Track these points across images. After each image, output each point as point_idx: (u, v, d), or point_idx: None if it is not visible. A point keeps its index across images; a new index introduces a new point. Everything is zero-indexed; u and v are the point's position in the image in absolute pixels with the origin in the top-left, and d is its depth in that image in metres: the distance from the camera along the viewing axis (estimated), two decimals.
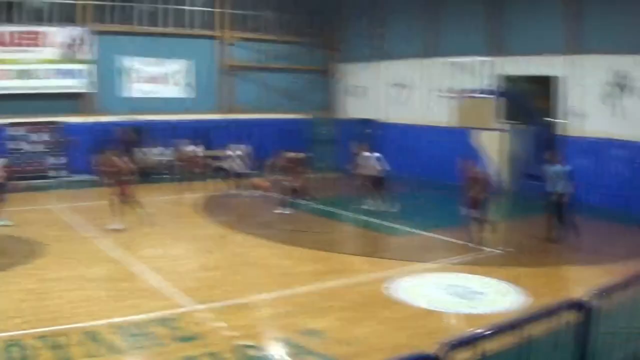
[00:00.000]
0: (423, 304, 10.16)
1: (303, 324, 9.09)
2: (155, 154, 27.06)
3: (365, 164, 18.76)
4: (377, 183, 18.61)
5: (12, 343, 8.46)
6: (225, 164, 22.49)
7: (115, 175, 16.40)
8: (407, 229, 16.18)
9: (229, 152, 22.27)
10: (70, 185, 24.41)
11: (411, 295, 10.57)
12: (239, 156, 21.88)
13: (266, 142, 25.50)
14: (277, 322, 9.45)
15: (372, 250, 14.01)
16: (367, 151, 19.22)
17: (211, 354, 8.08)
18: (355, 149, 19.69)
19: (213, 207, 19.57)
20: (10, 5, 25.95)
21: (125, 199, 16.22)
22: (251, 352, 8.22)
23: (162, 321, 9.23)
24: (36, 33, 26.15)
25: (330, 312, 9.72)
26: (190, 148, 25.14)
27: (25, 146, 25.47)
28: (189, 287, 11.11)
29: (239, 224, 16.75)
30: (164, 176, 25.73)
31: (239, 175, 21.69)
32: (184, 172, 23.46)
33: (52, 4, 26.61)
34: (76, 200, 21.16)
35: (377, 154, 18.82)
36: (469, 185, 14.41)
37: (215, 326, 9.07)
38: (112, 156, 16.86)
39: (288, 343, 8.47)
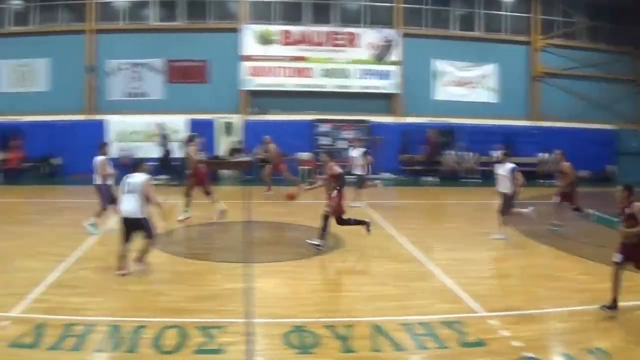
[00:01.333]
0: None
1: (589, 342, 8.68)
2: (462, 158, 27.43)
3: None
4: None
5: (300, 329, 9.00)
6: None
7: None
8: None
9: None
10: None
11: None
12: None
13: (571, 151, 24.62)
14: (564, 338, 9.13)
15: None
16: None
17: None
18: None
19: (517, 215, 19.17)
20: (326, 7, 27.85)
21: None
22: None
23: (449, 324, 9.26)
24: (350, 34, 27.77)
25: (619, 332, 9.18)
26: (495, 153, 25.13)
27: (331, 142, 27.27)
28: (480, 292, 11.05)
29: (540, 234, 16.23)
30: (471, 180, 26.01)
31: None
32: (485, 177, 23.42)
33: (367, 6, 28.05)
34: (381, 197, 21.94)
35: None
36: None
37: (501, 335, 8.96)
38: None
39: None
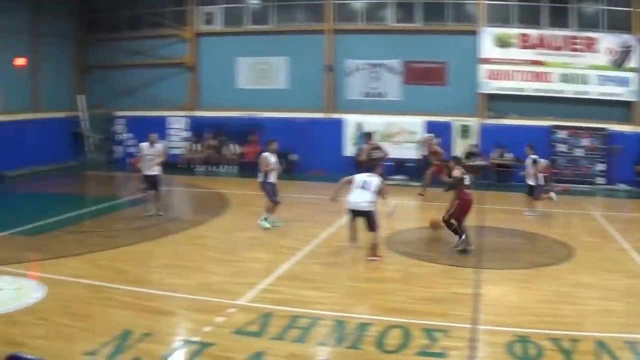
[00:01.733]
0: None
1: None
2: None
3: None
4: None
5: (524, 339, 9.03)
6: None
7: None
8: None
9: None
10: (610, 193, 25.13)
11: None
12: None
13: None
14: None
15: None
16: None
17: None
18: None
19: None
20: (563, 10, 27.54)
21: None
22: None
23: None
24: (588, 39, 27.27)
25: None
26: None
27: (568, 150, 27.08)
28: None
29: None
30: None
31: None
32: None
33: (605, 10, 27.38)
34: (616, 209, 21.78)
35: None
36: None
37: None
38: None
39: None
